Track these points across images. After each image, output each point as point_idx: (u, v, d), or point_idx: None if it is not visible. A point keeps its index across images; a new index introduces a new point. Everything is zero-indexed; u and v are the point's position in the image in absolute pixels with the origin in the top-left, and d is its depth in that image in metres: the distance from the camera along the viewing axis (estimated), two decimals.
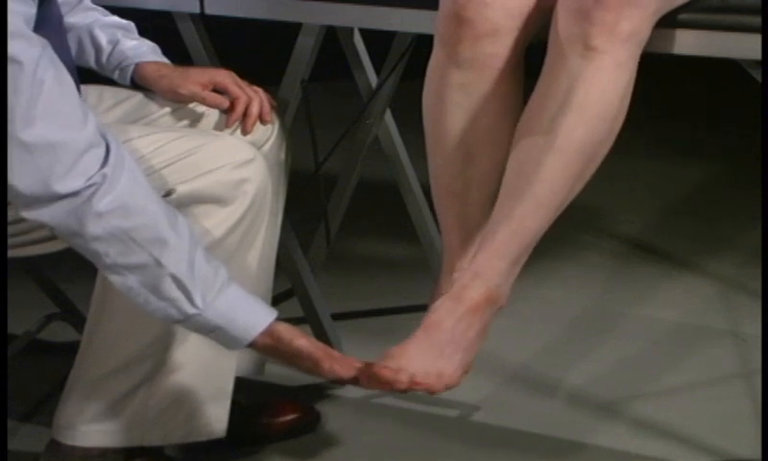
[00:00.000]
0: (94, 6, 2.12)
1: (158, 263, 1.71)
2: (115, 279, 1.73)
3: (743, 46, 1.85)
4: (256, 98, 2.06)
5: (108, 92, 2.08)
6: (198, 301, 1.74)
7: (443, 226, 1.99)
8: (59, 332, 2.39)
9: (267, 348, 1.81)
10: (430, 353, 1.81)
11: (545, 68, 1.84)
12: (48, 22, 1.79)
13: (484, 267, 1.83)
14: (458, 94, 1.89)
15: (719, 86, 3.73)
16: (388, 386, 1.80)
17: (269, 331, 1.79)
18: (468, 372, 1.86)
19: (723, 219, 3.18)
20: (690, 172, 3.50)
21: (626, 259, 2.95)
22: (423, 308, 2.65)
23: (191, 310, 1.74)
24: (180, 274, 1.72)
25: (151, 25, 2.18)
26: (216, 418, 1.99)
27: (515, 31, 1.87)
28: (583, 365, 2.44)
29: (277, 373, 2.39)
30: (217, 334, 1.77)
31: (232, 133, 2.04)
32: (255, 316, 1.79)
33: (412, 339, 1.82)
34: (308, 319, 2.42)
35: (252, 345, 1.80)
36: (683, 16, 1.88)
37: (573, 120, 1.79)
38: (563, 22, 1.81)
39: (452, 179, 1.94)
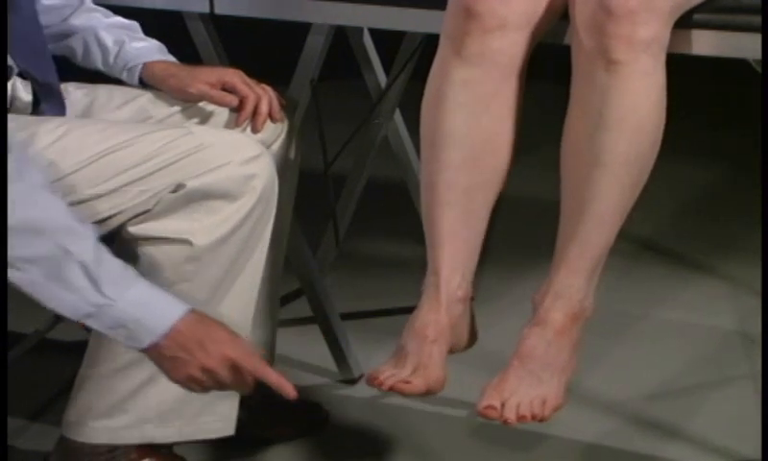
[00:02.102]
0: (95, 7, 2.12)
1: (66, 251, 1.64)
2: (16, 275, 1.64)
3: (755, 47, 1.84)
4: (265, 96, 2.06)
5: (118, 91, 2.09)
6: (108, 290, 1.67)
7: (433, 236, 1.91)
8: (68, 331, 2.39)
9: (191, 333, 1.71)
10: (529, 382, 1.82)
11: (574, 85, 1.83)
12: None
13: (562, 287, 1.84)
14: (460, 92, 1.87)
15: (731, 86, 3.72)
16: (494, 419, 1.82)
17: (191, 317, 1.71)
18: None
19: (733, 219, 3.17)
20: (701, 172, 3.50)
21: (635, 259, 2.94)
22: None
23: (101, 300, 1.66)
24: (88, 262, 1.65)
25: (157, 24, 2.19)
26: (225, 416, 1.99)
27: (523, 28, 1.86)
28: (591, 365, 2.43)
29: (287, 372, 2.40)
30: (129, 330, 1.69)
31: (242, 132, 2.04)
32: (172, 306, 1.71)
33: (509, 371, 1.83)
34: (317, 319, 2.42)
35: (173, 335, 1.70)
36: (696, 17, 1.87)
37: (613, 136, 1.79)
38: (581, 38, 1.79)
39: (450, 186, 1.89)
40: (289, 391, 1.75)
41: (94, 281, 1.65)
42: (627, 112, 1.78)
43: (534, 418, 1.82)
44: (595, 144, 1.80)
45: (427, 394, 1.87)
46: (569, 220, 1.85)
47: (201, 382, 1.72)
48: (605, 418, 2.27)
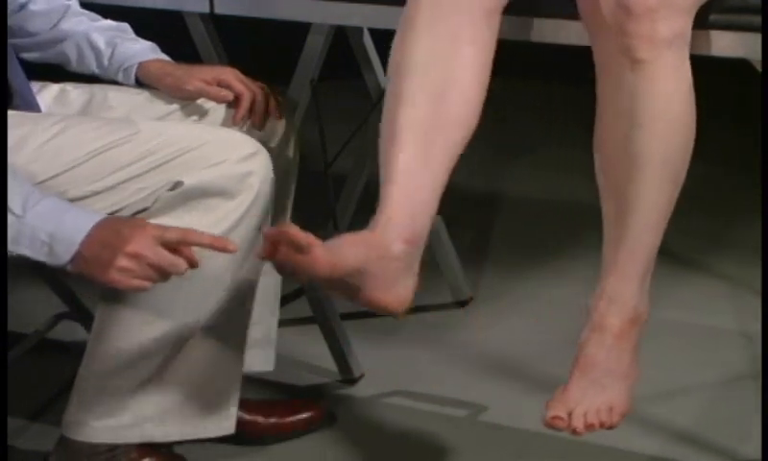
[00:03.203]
0: (82, 10, 2.13)
1: None
2: None
3: (755, 46, 1.84)
4: (261, 93, 2.07)
5: (115, 91, 2.09)
6: (16, 208, 1.69)
7: (386, 173, 1.77)
8: (68, 332, 2.39)
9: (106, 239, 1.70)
10: (593, 391, 1.82)
11: (600, 87, 1.81)
12: None
13: (616, 292, 1.83)
14: (430, 20, 1.78)
15: (731, 86, 3.72)
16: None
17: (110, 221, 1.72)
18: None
19: (733, 219, 3.17)
20: (701, 172, 3.49)
21: None
22: (432, 308, 2.68)
23: (11, 218, 1.69)
24: None
25: (156, 24, 2.19)
26: (225, 415, 1.99)
27: None
28: None
29: (288, 371, 2.40)
30: (48, 246, 1.70)
31: (239, 130, 2.04)
32: (85, 216, 1.73)
33: (571, 382, 1.83)
34: (317, 318, 2.42)
35: (90, 240, 1.70)
36: (699, 17, 1.87)
37: (647, 135, 1.77)
38: (602, 40, 1.78)
39: (410, 123, 1.76)
40: (227, 244, 1.73)
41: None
42: (659, 111, 1.77)
43: (602, 425, 1.82)
44: (631, 146, 1.78)
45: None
46: (614, 225, 1.84)
47: (132, 271, 1.70)
48: None
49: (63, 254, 1.71)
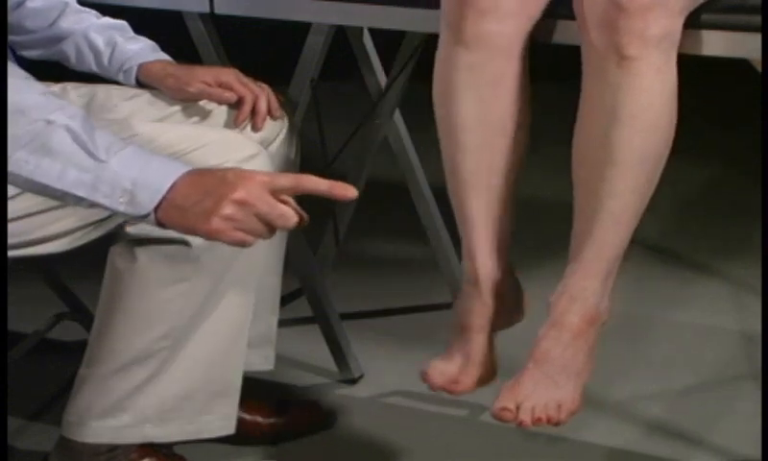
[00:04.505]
0: (82, 8, 2.12)
1: (48, 121, 1.55)
2: (9, 169, 1.56)
3: (755, 46, 1.84)
4: (263, 94, 2.06)
5: (116, 91, 2.09)
6: (99, 153, 1.56)
7: (464, 221, 1.91)
8: (68, 332, 2.39)
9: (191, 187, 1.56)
10: (545, 385, 1.81)
11: (585, 83, 1.82)
12: None
13: (577, 289, 1.83)
14: (467, 75, 1.86)
15: (731, 86, 3.72)
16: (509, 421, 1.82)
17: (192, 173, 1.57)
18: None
19: (733, 219, 3.17)
20: (701, 172, 3.50)
21: (636, 260, 2.94)
22: (432, 308, 2.68)
23: (92, 163, 1.55)
24: (74, 127, 1.56)
25: (156, 24, 2.19)
26: (225, 415, 1.99)
27: (517, 9, 1.85)
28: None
29: (287, 372, 2.40)
30: (130, 194, 1.57)
31: (241, 132, 2.04)
32: (172, 164, 1.59)
33: (524, 374, 1.82)
34: (317, 319, 2.42)
35: (182, 186, 1.55)
36: (696, 16, 1.87)
37: (627, 132, 1.77)
38: (592, 35, 1.78)
39: (473, 170, 1.89)
40: (347, 190, 1.56)
41: (83, 144, 1.56)
42: (640, 109, 1.77)
43: (549, 421, 1.81)
44: (609, 142, 1.78)
45: (479, 386, 1.88)
46: (583, 221, 1.84)
47: (238, 221, 1.53)
48: (604, 417, 2.27)
49: (147, 203, 1.56)
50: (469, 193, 1.89)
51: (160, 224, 1.58)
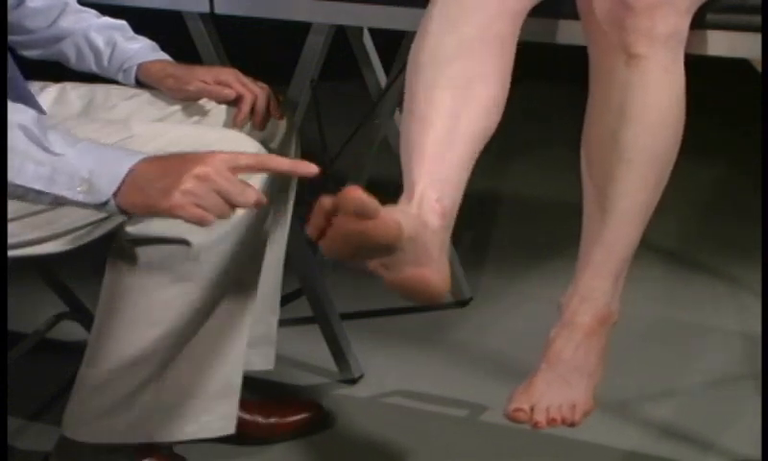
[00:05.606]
0: (82, 7, 2.12)
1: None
2: None
3: (755, 46, 1.84)
4: (262, 94, 2.06)
5: (116, 91, 2.09)
6: (55, 147, 1.58)
7: (411, 155, 1.70)
8: (68, 332, 2.40)
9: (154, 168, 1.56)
10: (558, 386, 1.81)
11: (593, 82, 1.81)
12: None
13: (588, 289, 1.83)
14: (454, 10, 1.76)
15: (731, 86, 3.72)
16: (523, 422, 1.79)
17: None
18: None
19: (733, 219, 3.17)
20: (702, 172, 3.50)
21: (636, 260, 2.94)
22: (431, 308, 2.68)
23: (47, 157, 1.57)
24: (27, 125, 1.57)
25: (156, 24, 2.19)
26: (225, 415, 1.99)
27: None
28: None
29: (287, 372, 2.40)
30: (88, 183, 1.57)
31: (240, 131, 2.04)
32: (126, 154, 1.59)
33: (537, 375, 1.81)
34: (317, 319, 2.42)
35: (142, 168, 1.55)
36: (698, 17, 1.87)
37: (636, 130, 1.77)
38: (599, 34, 1.78)
39: (435, 106, 1.73)
40: (308, 167, 1.55)
41: (37, 141, 1.57)
42: (649, 107, 1.76)
43: (564, 422, 1.80)
44: (618, 140, 1.77)
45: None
46: (594, 220, 1.83)
47: (197, 196, 1.53)
48: (604, 417, 2.26)
49: (106, 188, 1.56)
50: (426, 127, 1.71)
51: (122, 210, 1.59)
